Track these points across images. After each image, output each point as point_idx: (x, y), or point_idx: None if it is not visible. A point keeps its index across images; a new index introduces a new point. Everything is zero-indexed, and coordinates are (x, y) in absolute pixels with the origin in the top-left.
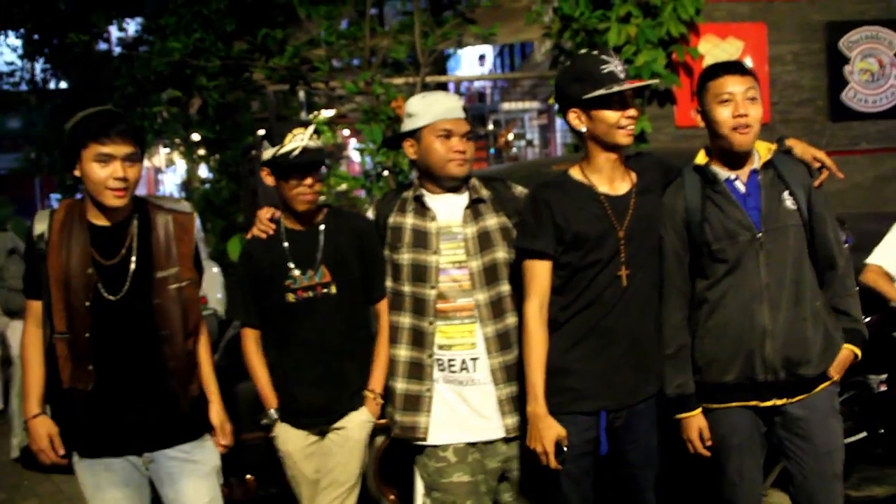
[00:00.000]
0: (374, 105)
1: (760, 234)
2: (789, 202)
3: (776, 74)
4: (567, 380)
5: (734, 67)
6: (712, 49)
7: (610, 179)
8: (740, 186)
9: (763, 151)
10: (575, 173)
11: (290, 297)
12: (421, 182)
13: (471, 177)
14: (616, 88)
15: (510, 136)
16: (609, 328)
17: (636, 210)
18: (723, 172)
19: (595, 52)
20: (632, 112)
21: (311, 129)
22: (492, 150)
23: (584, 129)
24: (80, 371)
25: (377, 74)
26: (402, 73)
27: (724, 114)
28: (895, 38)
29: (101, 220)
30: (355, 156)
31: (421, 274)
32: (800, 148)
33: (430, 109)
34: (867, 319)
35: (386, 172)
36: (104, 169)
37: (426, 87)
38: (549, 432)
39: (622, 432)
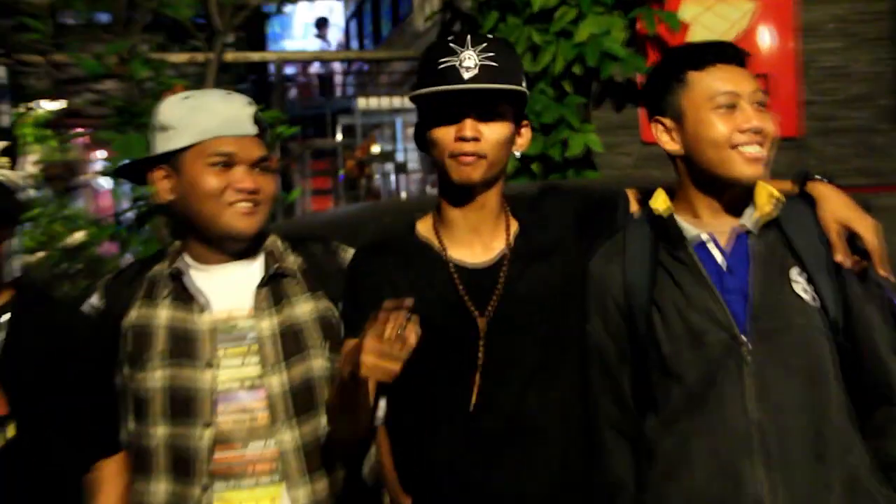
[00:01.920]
0: (135, 97)
1: (746, 339)
2: (802, 287)
3: (811, 56)
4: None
5: (731, 51)
6: (703, 14)
7: (470, 239)
8: (717, 255)
9: (764, 200)
10: (422, 229)
11: None
12: (183, 245)
13: (267, 234)
14: (432, 88)
15: (372, 152)
16: (473, 481)
17: (509, 288)
18: (691, 229)
19: (449, 39)
20: (469, 130)
21: None
22: (340, 177)
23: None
24: None
25: (141, 45)
26: (184, 45)
27: (721, 127)
28: None
29: None
30: (104, 183)
31: (185, 404)
32: (831, 204)
33: (195, 120)
34: None
35: (153, 212)
36: None
37: (226, 70)
38: None
39: None
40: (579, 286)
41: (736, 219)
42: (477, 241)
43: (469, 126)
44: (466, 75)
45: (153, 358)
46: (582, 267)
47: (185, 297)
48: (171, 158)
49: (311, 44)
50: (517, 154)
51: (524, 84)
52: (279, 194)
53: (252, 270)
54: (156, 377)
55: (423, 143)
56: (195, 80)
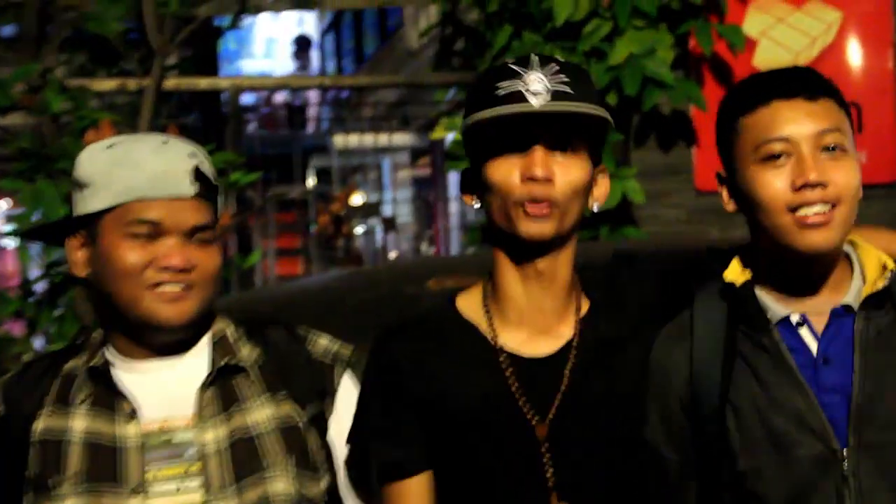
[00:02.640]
0: (48, 136)
1: (847, 453)
2: None
3: None
4: None
5: (795, 83)
6: (774, 28)
7: (532, 321)
8: (811, 341)
9: (873, 267)
10: (465, 305)
11: None
12: (105, 334)
13: (214, 316)
14: (494, 111)
15: (352, 203)
16: None
17: (575, 385)
18: (777, 307)
19: (509, 62)
20: (541, 168)
21: None
22: (311, 229)
23: (476, 206)
24: None
25: (56, 68)
26: (113, 68)
27: (773, 184)
28: None
29: None
30: (8, 243)
31: None
32: None
33: (116, 176)
34: None
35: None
36: None
37: (167, 100)
38: None
39: None
40: None
41: (835, 294)
42: (540, 324)
43: (540, 161)
44: (536, 102)
45: (64, 482)
46: None
47: (107, 402)
48: (89, 223)
49: (276, 65)
50: (595, 209)
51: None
52: (235, 259)
53: (194, 366)
54: None
55: (474, 187)
56: (127, 112)
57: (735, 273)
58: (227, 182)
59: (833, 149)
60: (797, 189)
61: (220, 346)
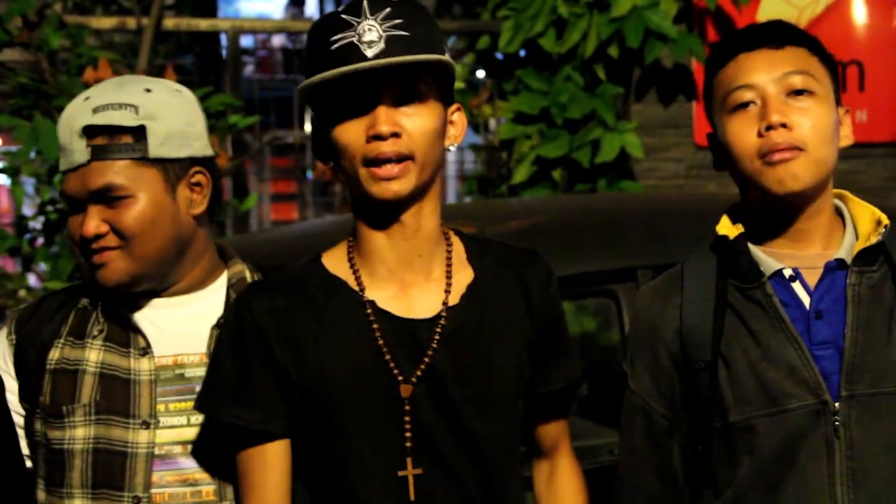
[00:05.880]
0: (45, 73)
1: (839, 406)
2: None
3: None
4: None
5: (759, 36)
6: None
7: (401, 277)
8: (804, 295)
9: (866, 221)
10: (332, 262)
11: None
12: None
13: (230, 256)
14: (322, 75)
15: None
16: None
17: (444, 352)
18: (770, 260)
19: (340, 11)
20: (385, 123)
21: None
22: (308, 176)
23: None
24: None
25: (54, 4)
26: (111, 6)
27: (742, 132)
28: None
29: None
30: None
31: (111, 472)
32: None
33: (60, 138)
34: None
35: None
36: None
37: (165, 40)
38: None
39: None
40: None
41: (827, 249)
42: (409, 279)
43: (384, 118)
44: (370, 52)
45: (75, 412)
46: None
47: (122, 336)
48: None
49: (273, 6)
50: (451, 149)
51: (448, 55)
52: (231, 202)
53: (209, 305)
54: (76, 436)
55: (325, 152)
56: (125, 51)
57: (727, 227)
58: (226, 124)
59: (801, 92)
60: (763, 133)
61: (236, 287)
